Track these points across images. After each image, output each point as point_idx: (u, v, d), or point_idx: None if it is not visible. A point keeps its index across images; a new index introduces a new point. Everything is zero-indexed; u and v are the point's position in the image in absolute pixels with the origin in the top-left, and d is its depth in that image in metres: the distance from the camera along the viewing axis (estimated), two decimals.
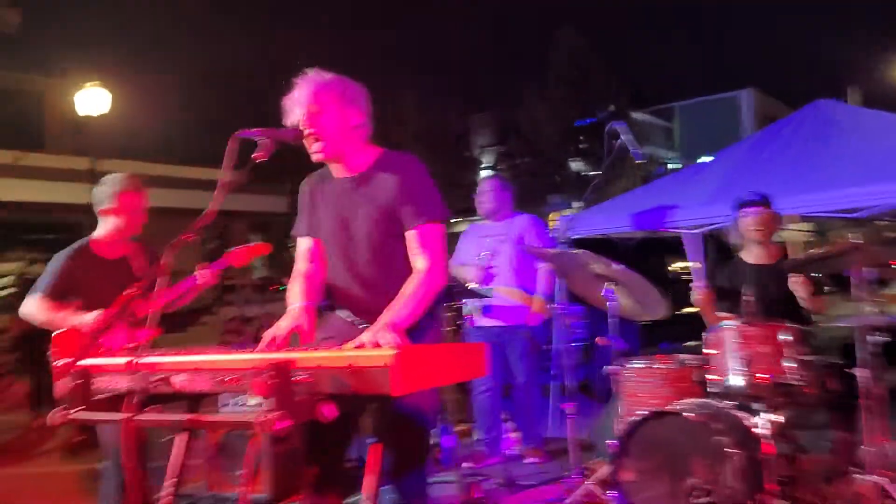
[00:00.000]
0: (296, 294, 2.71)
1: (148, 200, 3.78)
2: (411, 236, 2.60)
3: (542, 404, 5.26)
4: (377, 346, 2.19)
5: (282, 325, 2.53)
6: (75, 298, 3.65)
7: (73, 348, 3.63)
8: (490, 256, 5.07)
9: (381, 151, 2.72)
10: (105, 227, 3.74)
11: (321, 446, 2.47)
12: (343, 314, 2.75)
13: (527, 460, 5.08)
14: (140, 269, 3.75)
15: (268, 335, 2.49)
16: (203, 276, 3.81)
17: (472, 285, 4.95)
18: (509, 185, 5.35)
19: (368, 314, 2.59)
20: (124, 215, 3.69)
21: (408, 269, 2.61)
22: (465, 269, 5.11)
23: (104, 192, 3.71)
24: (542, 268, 5.07)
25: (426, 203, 2.61)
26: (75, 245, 3.73)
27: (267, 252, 4.03)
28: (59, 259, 3.67)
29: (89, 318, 3.51)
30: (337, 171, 2.73)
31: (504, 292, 5.02)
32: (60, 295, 3.61)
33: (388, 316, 2.41)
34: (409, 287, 2.52)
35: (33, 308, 3.63)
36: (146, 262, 3.80)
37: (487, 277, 5.01)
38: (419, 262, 2.58)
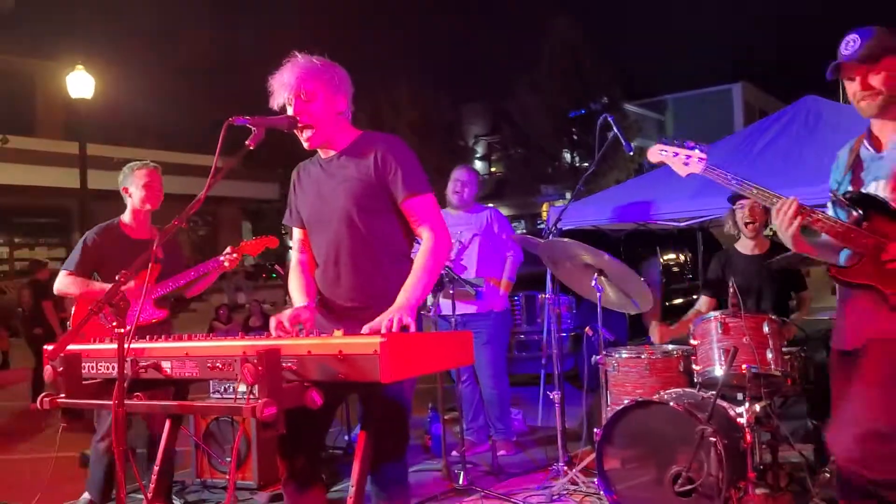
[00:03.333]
0: (296, 290, 2.75)
1: (161, 178, 4.11)
2: (408, 208, 2.62)
3: (508, 392, 5.28)
4: (389, 323, 2.24)
5: (285, 315, 2.57)
6: (101, 273, 3.97)
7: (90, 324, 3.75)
8: (459, 246, 5.11)
9: (362, 132, 2.75)
10: (128, 208, 4.10)
11: (301, 433, 2.49)
12: (320, 304, 2.77)
13: (498, 452, 4.96)
14: (161, 253, 3.96)
15: (273, 321, 2.53)
16: (229, 261, 4.08)
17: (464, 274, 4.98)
18: (481, 178, 5.42)
19: (345, 292, 2.65)
20: (139, 190, 4.02)
21: (385, 246, 2.64)
22: None
23: (122, 174, 4.08)
24: (509, 256, 5.17)
25: (415, 175, 2.64)
26: (104, 223, 4.09)
27: (274, 246, 4.36)
28: (87, 236, 4.01)
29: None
30: (322, 153, 2.77)
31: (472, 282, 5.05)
32: (86, 270, 3.94)
33: (404, 296, 2.43)
34: (420, 261, 2.55)
35: (62, 283, 3.94)
36: (170, 249, 4.09)
37: (457, 268, 5.02)
38: (423, 232, 2.62)
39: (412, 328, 2.30)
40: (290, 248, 2.98)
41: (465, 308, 4.99)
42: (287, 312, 2.57)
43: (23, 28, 18.65)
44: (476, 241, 5.15)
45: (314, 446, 2.69)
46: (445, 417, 4.77)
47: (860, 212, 2.55)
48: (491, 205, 5.74)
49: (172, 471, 3.99)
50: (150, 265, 2.27)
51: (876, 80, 2.56)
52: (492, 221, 5.22)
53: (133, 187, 4.04)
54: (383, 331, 2.23)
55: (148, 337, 2.34)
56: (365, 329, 2.22)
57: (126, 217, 4.10)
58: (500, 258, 5.20)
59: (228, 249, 4.10)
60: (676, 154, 2.72)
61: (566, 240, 4.19)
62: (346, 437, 5.20)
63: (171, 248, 4.10)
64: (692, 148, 2.71)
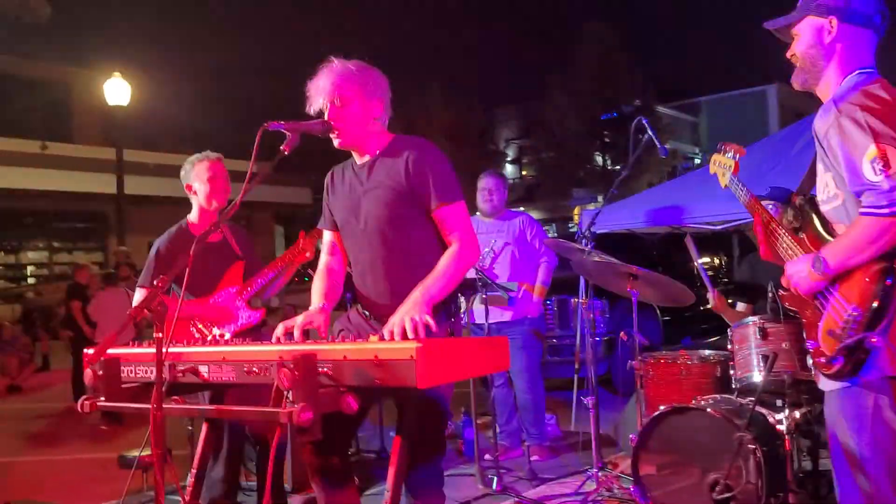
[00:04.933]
0: (316, 292, 2.75)
1: (226, 171, 3.78)
2: (440, 217, 2.61)
3: (543, 398, 5.24)
4: (412, 322, 2.22)
5: (297, 321, 2.56)
6: (176, 281, 3.59)
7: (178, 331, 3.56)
8: (492, 254, 5.09)
9: (394, 136, 2.75)
10: (194, 205, 3.77)
11: (331, 434, 2.48)
12: (359, 308, 2.78)
13: (532, 458, 4.90)
14: (239, 249, 3.79)
15: (280, 328, 2.52)
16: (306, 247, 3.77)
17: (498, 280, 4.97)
18: (508, 182, 5.39)
19: (381, 299, 2.64)
20: (203, 185, 3.70)
21: (419, 251, 2.63)
22: None
23: (183, 170, 3.76)
24: (543, 262, 5.14)
25: (447, 182, 2.62)
26: (172, 228, 3.75)
27: None
28: (158, 245, 3.69)
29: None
30: (355, 157, 2.77)
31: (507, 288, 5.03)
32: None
33: (420, 290, 2.42)
34: (443, 262, 2.54)
35: (139, 300, 3.62)
36: (244, 243, 3.83)
37: (489, 275, 4.99)
38: (452, 239, 2.61)
39: (433, 326, 2.26)
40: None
41: (499, 316, 4.98)
42: (298, 319, 2.55)
43: (59, 36, 19.02)
44: (508, 249, 5.13)
45: (344, 446, 2.71)
46: (478, 422, 4.75)
47: (798, 222, 2.26)
48: (522, 208, 5.72)
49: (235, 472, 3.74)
50: (186, 271, 2.23)
51: (796, 45, 2.25)
52: (525, 228, 5.20)
53: (197, 183, 3.71)
54: (397, 331, 2.20)
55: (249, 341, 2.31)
56: (385, 335, 2.19)
57: (193, 217, 3.77)
58: (534, 265, 5.17)
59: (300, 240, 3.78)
60: (721, 164, 2.73)
61: (597, 259, 4.16)
62: (380, 441, 5.21)
63: (246, 245, 3.85)
64: (732, 155, 2.68)
